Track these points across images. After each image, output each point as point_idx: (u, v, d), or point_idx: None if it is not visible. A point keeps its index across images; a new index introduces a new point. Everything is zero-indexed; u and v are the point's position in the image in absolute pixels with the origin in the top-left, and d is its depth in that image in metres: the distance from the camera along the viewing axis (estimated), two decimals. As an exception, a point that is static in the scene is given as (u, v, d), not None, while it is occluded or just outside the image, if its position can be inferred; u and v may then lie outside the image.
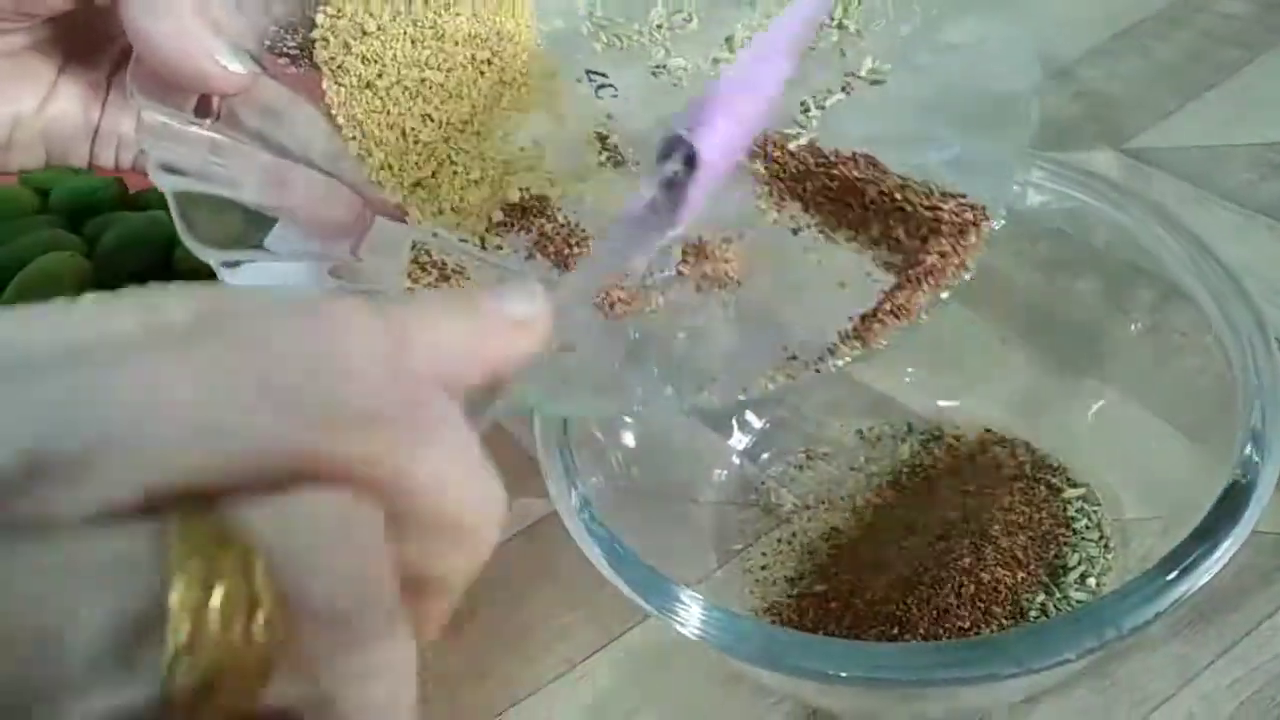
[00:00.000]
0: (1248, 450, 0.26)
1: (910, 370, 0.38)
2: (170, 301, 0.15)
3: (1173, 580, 0.24)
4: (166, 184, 0.29)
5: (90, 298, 0.15)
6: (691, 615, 0.25)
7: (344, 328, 0.15)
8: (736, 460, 0.37)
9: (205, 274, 0.41)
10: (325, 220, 0.31)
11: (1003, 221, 0.29)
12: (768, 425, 0.38)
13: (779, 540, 0.35)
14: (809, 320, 0.29)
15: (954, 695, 0.29)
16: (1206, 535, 0.25)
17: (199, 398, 0.14)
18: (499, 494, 0.17)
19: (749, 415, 0.38)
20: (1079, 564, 0.31)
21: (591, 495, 0.29)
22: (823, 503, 0.36)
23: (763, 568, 0.34)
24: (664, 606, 0.26)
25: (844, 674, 0.24)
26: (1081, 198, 0.33)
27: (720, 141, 0.23)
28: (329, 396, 0.14)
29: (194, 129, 0.30)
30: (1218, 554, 0.24)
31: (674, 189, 0.23)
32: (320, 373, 0.14)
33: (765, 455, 0.38)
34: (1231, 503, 0.26)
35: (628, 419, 0.35)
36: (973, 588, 0.30)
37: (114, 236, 0.43)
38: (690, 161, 0.22)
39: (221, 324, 0.14)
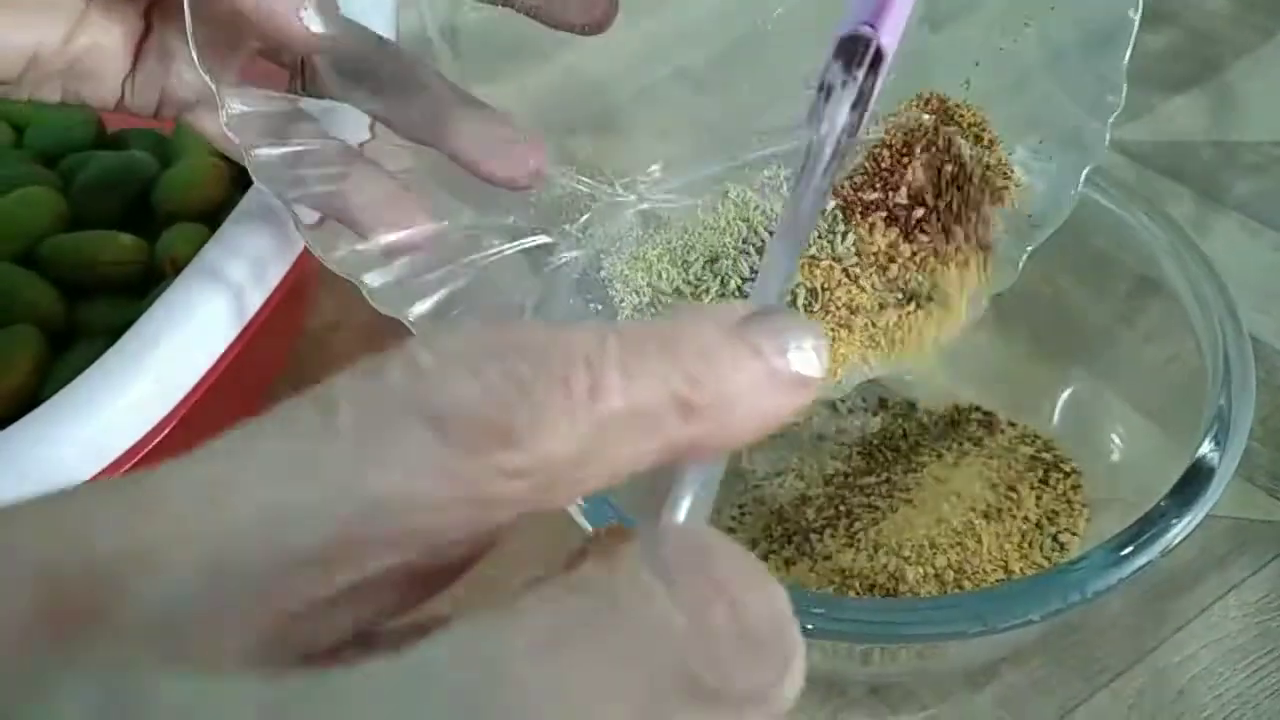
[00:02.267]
0: (1213, 433, 0.27)
1: (885, 344, 0.39)
2: None
3: (1137, 548, 0.24)
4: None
5: None
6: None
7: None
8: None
9: (186, 216, 0.41)
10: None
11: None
12: (743, 392, 0.38)
13: (748, 504, 0.36)
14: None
15: (916, 657, 0.30)
16: (1170, 511, 0.25)
17: None
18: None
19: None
20: (1051, 533, 0.32)
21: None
22: (793, 470, 0.36)
23: (730, 530, 0.35)
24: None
25: (809, 626, 0.24)
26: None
27: (894, 29, 0.19)
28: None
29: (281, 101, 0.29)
30: (1179, 527, 0.25)
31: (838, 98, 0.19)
32: None
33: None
34: (1193, 483, 0.27)
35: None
36: (942, 554, 0.31)
37: (91, 175, 0.43)
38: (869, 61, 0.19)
39: None
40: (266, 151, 0.28)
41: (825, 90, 0.19)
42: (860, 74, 0.19)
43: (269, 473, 0.13)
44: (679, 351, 0.13)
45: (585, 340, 0.13)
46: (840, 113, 0.19)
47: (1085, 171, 0.29)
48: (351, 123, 0.31)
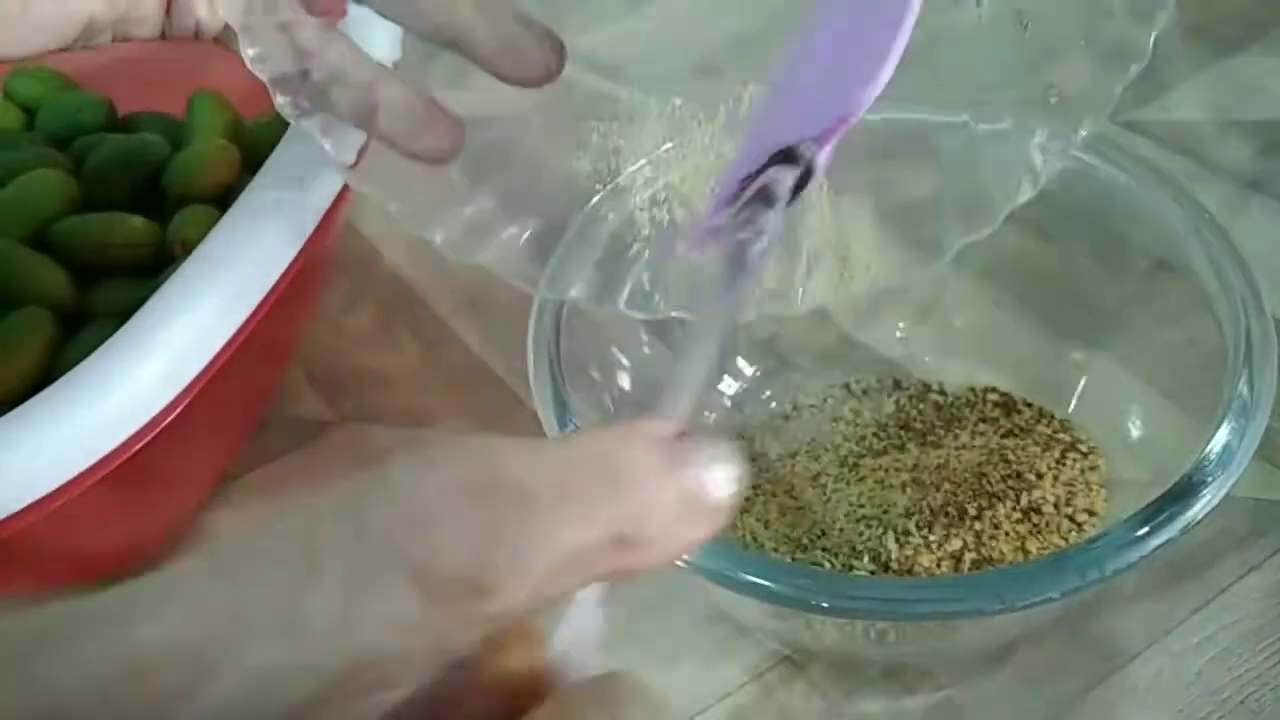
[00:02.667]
0: (1234, 411, 0.26)
1: (902, 325, 0.39)
2: None
3: (1157, 526, 0.24)
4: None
5: None
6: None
7: None
8: (728, 405, 0.37)
9: (197, 199, 0.41)
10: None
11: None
12: (759, 373, 0.38)
13: (761, 485, 0.35)
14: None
15: (931, 637, 0.30)
16: (1190, 489, 0.25)
17: None
18: None
19: (741, 362, 0.38)
20: (1067, 513, 0.32)
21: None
22: (806, 451, 0.36)
23: (744, 511, 0.35)
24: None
25: (824, 604, 0.24)
26: (1085, 159, 0.34)
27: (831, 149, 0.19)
28: None
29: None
30: (1200, 505, 0.25)
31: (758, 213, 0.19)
32: None
33: (752, 405, 0.38)
34: (1214, 461, 0.26)
35: (624, 361, 0.35)
36: (957, 535, 0.30)
37: (101, 158, 0.42)
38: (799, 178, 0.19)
39: None
40: (285, 71, 0.28)
41: (759, 193, 0.19)
42: (787, 195, 0.19)
43: (260, 631, 0.13)
44: (622, 489, 0.14)
45: (549, 475, 0.14)
46: (771, 222, 0.19)
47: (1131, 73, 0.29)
48: (379, 41, 0.31)
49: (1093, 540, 0.24)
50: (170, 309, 0.31)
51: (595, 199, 0.35)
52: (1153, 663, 0.31)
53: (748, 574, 0.25)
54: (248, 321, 0.33)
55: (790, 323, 0.39)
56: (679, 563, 0.25)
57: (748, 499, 0.35)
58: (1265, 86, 0.48)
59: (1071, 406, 0.35)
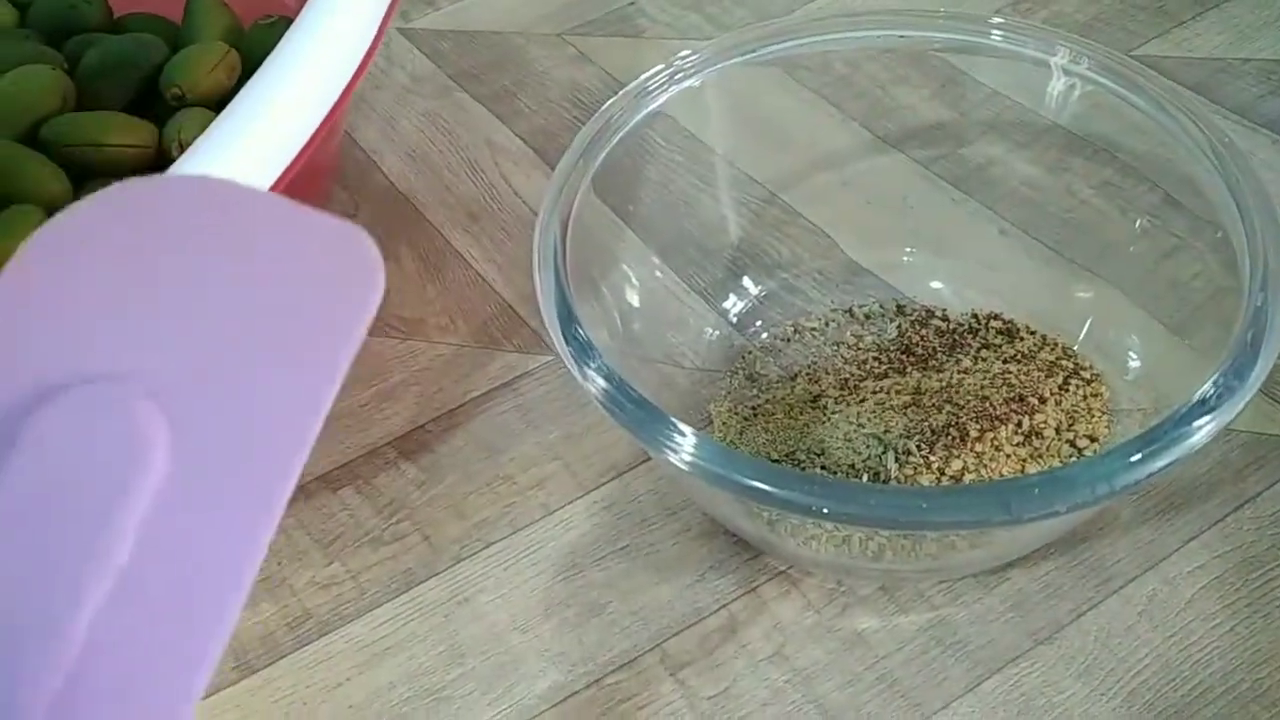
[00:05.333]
0: (1251, 329, 0.26)
1: (908, 251, 0.38)
2: None
3: (1168, 442, 0.24)
4: None
5: None
6: (685, 444, 0.25)
7: None
8: (734, 321, 0.37)
9: (194, 101, 0.40)
10: None
11: None
12: (762, 294, 0.38)
13: (760, 405, 0.35)
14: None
15: (928, 555, 0.30)
16: (1205, 406, 0.25)
17: None
18: None
19: (746, 281, 0.38)
20: (1069, 438, 0.32)
21: (594, 341, 0.28)
22: (807, 374, 0.36)
23: (741, 431, 0.34)
24: (660, 436, 0.26)
25: (825, 509, 0.24)
26: (1101, 82, 0.33)
27: None
28: None
29: None
30: (1214, 421, 0.25)
31: None
32: None
33: (754, 326, 0.37)
34: (1231, 376, 0.26)
35: (634, 280, 0.35)
36: (957, 457, 0.30)
37: (97, 57, 0.42)
38: None
39: None
40: None
41: None
42: None
43: None
44: None
45: None
46: None
47: None
48: None
49: (1102, 456, 0.24)
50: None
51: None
52: (1146, 587, 0.31)
53: (750, 478, 0.24)
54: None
55: (796, 246, 0.39)
56: (681, 465, 0.25)
57: (746, 419, 0.35)
58: (1277, 25, 0.48)
59: (1076, 337, 0.35)
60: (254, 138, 0.33)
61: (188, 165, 0.32)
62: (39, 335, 0.16)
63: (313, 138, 0.34)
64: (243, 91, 0.34)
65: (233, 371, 0.16)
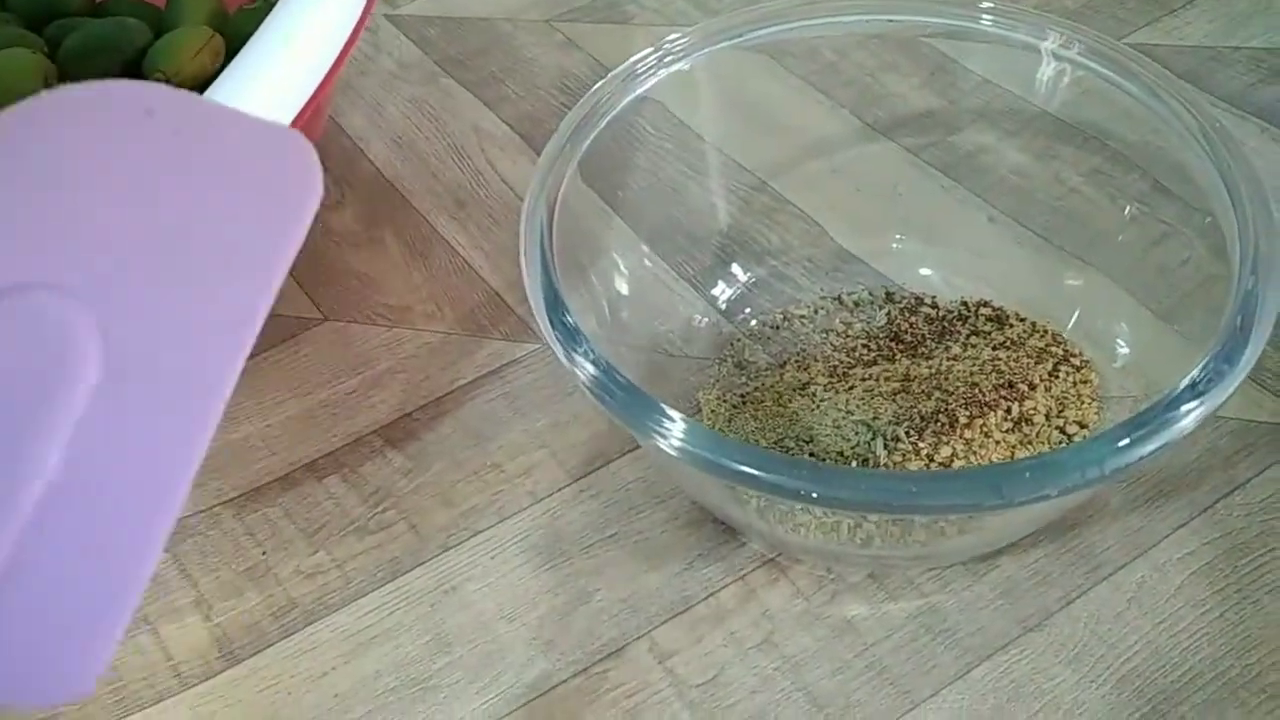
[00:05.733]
0: (1241, 313, 0.26)
1: (899, 237, 0.38)
2: None
3: (1159, 426, 0.24)
4: None
5: None
6: (674, 429, 0.25)
7: None
8: (723, 308, 0.37)
9: (178, 85, 0.39)
10: None
11: None
12: (751, 281, 0.37)
13: (749, 394, 0.35)
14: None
15: (917, 542, 0.29)
16: (1196, 389, 0.25)
17: None
18: None
19: (735, 268, 0.38)
20: (1058, 424, 0.31)
21: (582, 328, 0.28)
22: (796, 361, 0.36)
23: (730, 419, 0.34)
24: (648, 422, 0.25)
25: (814, 494, 0.24)
26: (1092, 67, 0.33)
27: None
28: None
29: None
30: (1206, 403, 0.24)
31: None
32: None
33: (743, 313, 0.37)
34: (1223, 359, 0.25)
35: (623, 268, 0.35)
36: (946, 444, 0.30)
37: (79, 40, 0.41)
38: None
39: None
40: None
41: None
42: None
43: None
44: None
45: None
46: None
47: None
48: None
49: (1094, 439, 0.24)
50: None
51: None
52: (1135, 574, 0.31)
53: (739, 463, 0.24)
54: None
55: (785, 233, 0.39)
56: (669, 451, 0.25)
57: (734, 406, 0.34)
58: (1268, 13, 0.48)
59: (1065, 324, 0.35)
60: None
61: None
62: None
63: (295, 121, 0.33)
64: (224, 74, 0.34)
65: (169, 278, 0.16)
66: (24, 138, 0.16)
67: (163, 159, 0.16)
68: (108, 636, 0.14)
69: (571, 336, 0.28)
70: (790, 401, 0.34)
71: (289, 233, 0.16)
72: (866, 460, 0.31)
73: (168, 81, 0.38)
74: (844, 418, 0.33)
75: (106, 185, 0.16)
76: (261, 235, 0.16)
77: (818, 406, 0.33)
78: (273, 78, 0.33)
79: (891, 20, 0.35)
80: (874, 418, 0.32)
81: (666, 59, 0.34)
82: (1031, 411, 0.32)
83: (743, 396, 0.35)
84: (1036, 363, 0.33)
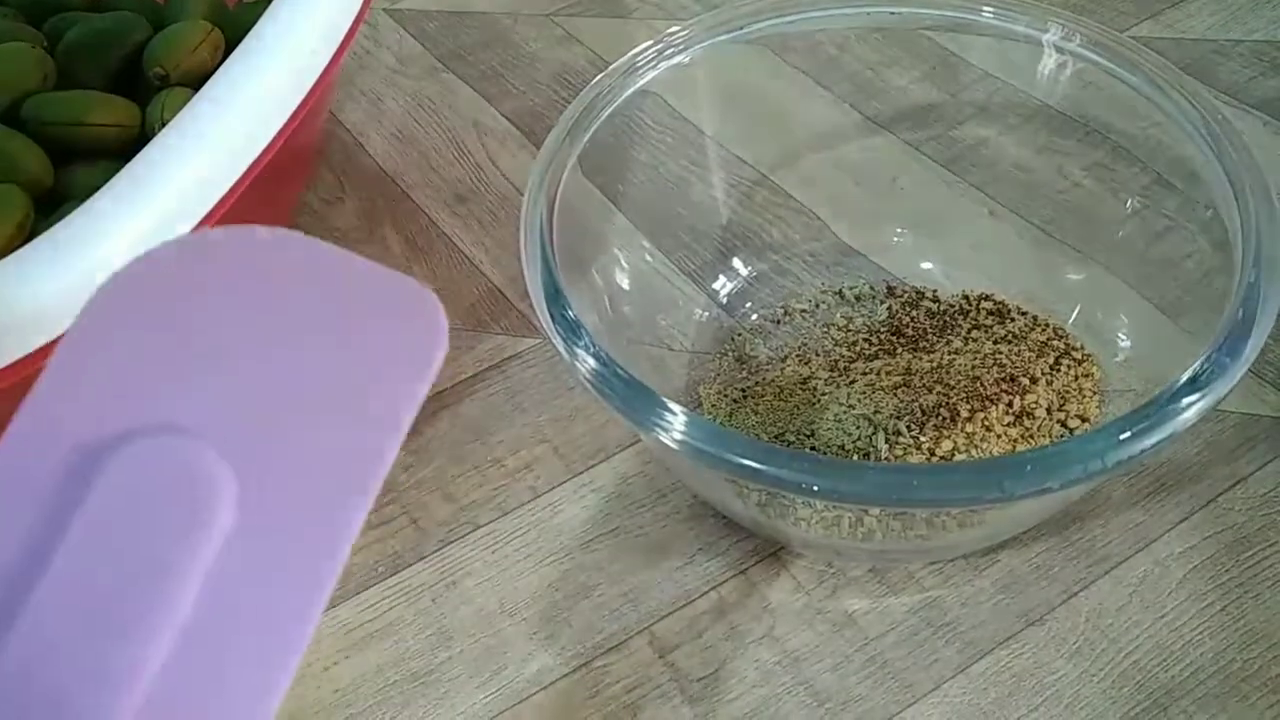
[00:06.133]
0: (1244, 306, 0.26)
1: (900, 231, 0.38)
2: None
3: (1162, 418, 0.24)
4: None
5: None
6: (675, 423, 0.25)
7: None
8: (723, 302, 0.37)
9: (178, 81, 0.39)
10: None
11: None
12: (752, 275, 0.37)
13: (750, 388, 0.35)
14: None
15: (918, 536, 0.29)
16: (1199, 381, 0.25)
17: None
18: None
19: (736, 262, 0.37)
20: (1060, 418, 0.31)
21: (583, 322, 0.28)
22: (797, 355, 0.36)
23: (731, 413, 0.34)
24: (650, 416, 0.25)
25: (816, 487, 0.24)
26: (1094, 60, 0.33)
27: None
28: None
29: None
30: (1209, 397, 0.24)
31: None
32: None
33: (744, 307, 0.37)
34: (1227, 350, 0.25)
35: (624, 263, 0.35)
36: (948, 438, 0.30)
37: (78, 35, 0.41)
38: None
39: None
40: None
41: None
42: None
43: None
44: None
45: None
46: None
47: None
48: None
49: (1096, 432, 0.24)
50: (143, 184, 0.30)
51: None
52: (1137, 568, 0.31)
53: (741, 456, 0.24)
54: (225, 199, 0.32)
55: (786, 227, 0.39)
56: (671, 444, 0.25)
57: (735, 400, 0.34)
58: (1268, 6, 0.47)
59: (1067, 318, 0.35)
60: (233, 116, 0.32)
61: (165, 142, 0.32)
62: (110, 382, 0.16)
63: (293, 116, 0.33)
64: (222, 69, 0.34)
65: (297, 427, 0.16)
66: (159, 279, 0.16)
67: (293, 306, 0.16)
68: None
69: (572, 331, 0.27)
70: (791, 396, 0.34)
71: (415, 385, 0.16)
72: (868, 454, 0.31)
73: (165, 77, 0.39)
74: (845, 412, 0.33)
75: (247, 333, 0.16)
76: (388, 391, 0.16)
77: (819, 400, 0.33)
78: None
79: (893, 13, 0.35)
80: (875, 412, 0.32)
81: (666, 52, 0.34)
82: (1033, 405, 0.32)
83: (744, 391, 0.35)
84: (1038, 356, 0.33)
